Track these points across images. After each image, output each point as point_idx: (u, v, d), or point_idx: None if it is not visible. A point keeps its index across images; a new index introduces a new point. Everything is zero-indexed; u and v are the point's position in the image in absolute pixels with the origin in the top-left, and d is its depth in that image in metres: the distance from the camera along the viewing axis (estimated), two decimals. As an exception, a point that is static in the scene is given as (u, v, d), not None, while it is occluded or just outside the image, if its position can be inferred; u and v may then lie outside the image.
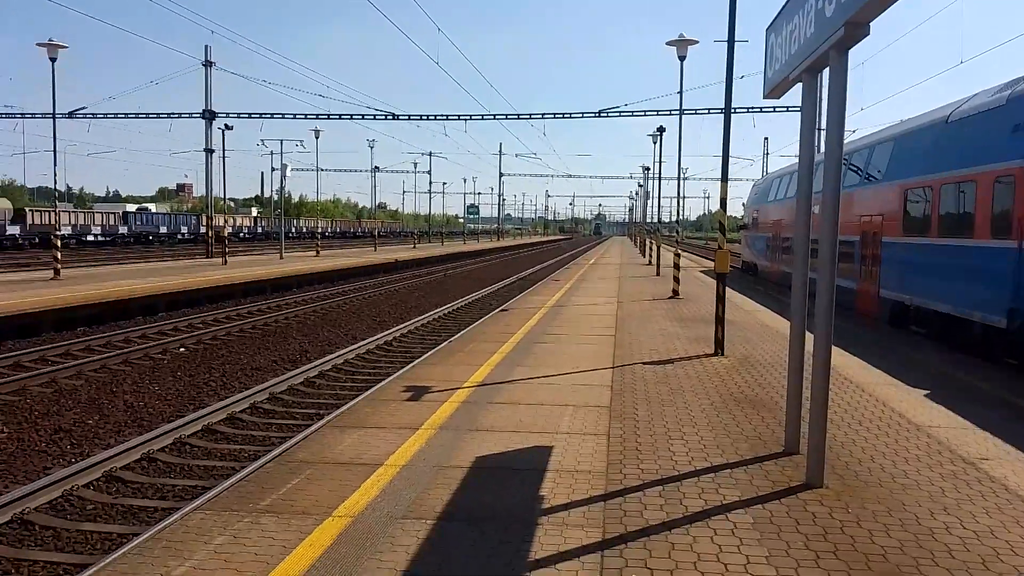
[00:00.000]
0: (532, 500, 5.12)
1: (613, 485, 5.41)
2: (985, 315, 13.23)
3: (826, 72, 5.47)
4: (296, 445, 7.05)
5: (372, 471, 5.70)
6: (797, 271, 6.24)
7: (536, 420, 7.21)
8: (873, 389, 8.87)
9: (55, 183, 26.26)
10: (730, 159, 11.49)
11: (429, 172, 77.60)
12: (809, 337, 5.83)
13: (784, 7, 6.59)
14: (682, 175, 26.45)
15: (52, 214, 38.09)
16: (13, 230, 51.49)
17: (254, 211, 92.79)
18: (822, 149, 6.73)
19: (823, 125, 6.86)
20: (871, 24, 4.88)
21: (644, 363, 10.30)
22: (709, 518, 4.81)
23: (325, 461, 5.97)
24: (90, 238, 58.29)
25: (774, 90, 7.15)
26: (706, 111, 40.06)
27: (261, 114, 42.81)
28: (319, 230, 58.81)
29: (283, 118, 43.52)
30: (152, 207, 74.84)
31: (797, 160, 6.60)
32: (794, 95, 6.84)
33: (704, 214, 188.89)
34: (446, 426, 6.97)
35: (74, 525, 6.38)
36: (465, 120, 44.30)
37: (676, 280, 21.06)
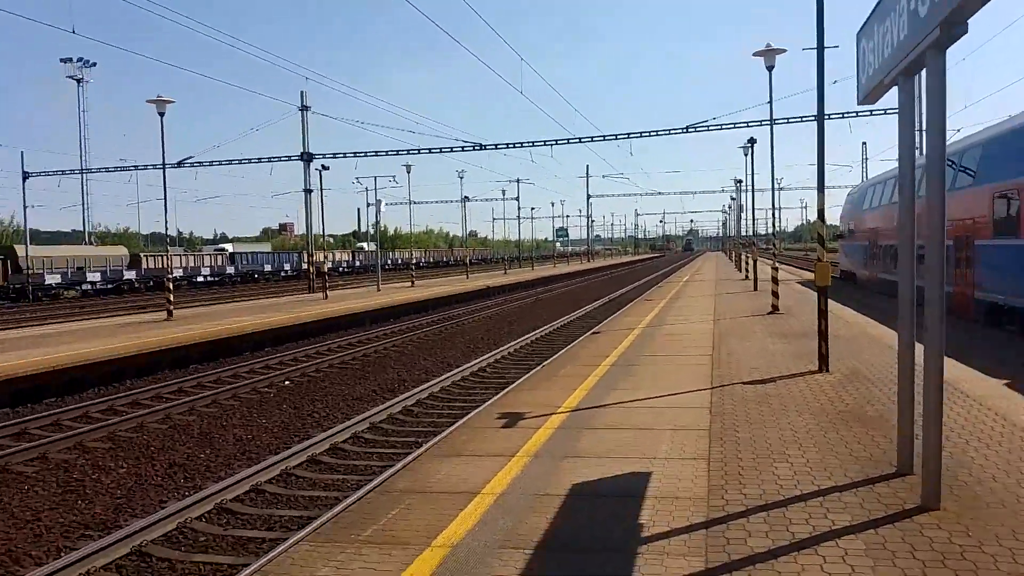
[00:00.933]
0: (631, 528, 5.02)
1: (715, 512, 5.25)
2: None
3: (923, 74, 5.23)
4: (396, 474, 7.16)
5: (469, 500, 5.72)
6: (903, 279, 5.94)
7: (633, 445, 7.09)
8: (989, 401, 8.34)
9: (166, 229, 27.82)
10: (827, 166, 11.14)
11: (517, 198, 78.25)
12: (919, 348, 5.55)
13: (875, 10, 6.36)
14: (776, 186, 25.76)
15: (164, 258, 40.33)
16: (130, 275, 54.67)
17: (366, 246, 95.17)
18: (923, 151, 6.44)
19: (924, 126, 6.56)
20: (969, 22, 4.65)
21: (744, 383, 10.01)
22: (818, 545, 4.60)
23: (424, 490, 6.03)
24: (200, 279, 61.27)
25: (868, 95, 6.88)
26: (798, 119, 38.90)
27: (355, 153, 44.14)
28: (413, 261, 60.01)
29: (376, 155, 44.82)
30: (229, 247, 78.08)
31: (896, 165, 6.34)
32: (890, 96, 6.57)
33: (802, 224, 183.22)
34: (541, 452, 6.94)
35: (187, 557, 6.65)
36: (551, 145, 44.38)
37: (775, 295, 20.45)
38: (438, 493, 5.94)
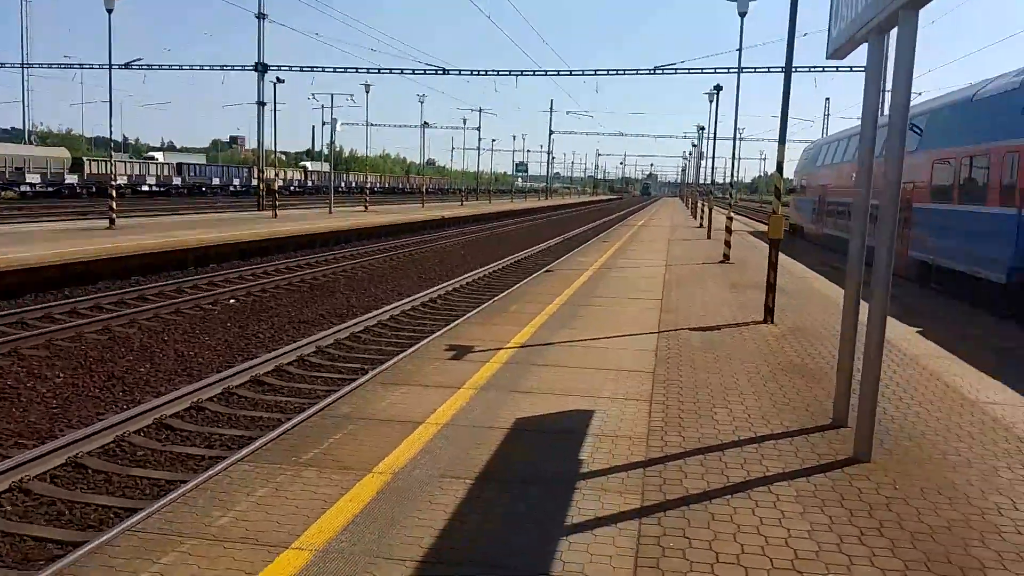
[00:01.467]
0: (571, 464, 5.10)
1: (654, 452, 5.35)
2: (989, 273, 15.31)
3: (894, 32, 5.21)
4: (340, 400, 7.13)
5: (413, 429, 5.73)
6: (855, 236, 6.01)
7: (578, 383, 7.17)
8: (925, 361, 8.62)
9: (111, 133, 26.79)
10: (789, 120, 11.15)
11: (478, 128, 77.24)
12: (863, 306, 5.66)
13: (852, -38, 6.27)
14: (738, 135, 25.85)
15: (108, 164, 38.93)
16: (71, 179, 52.83)
17: (309, 165, 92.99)
18: (885, 111, 6.47)
19: (888, 87, 6.56)
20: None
21: (691, 329, 10.16)
22: (751, 489, 4.73)
23: (367, 417, 6.02)
24: (145, 188, 59.52)
25: (838, 50, 6.85)
26: (765, 70, 38.93)
27: (312, 67, 42.92)
28: (368, 185, 59.15)
29: (334, 71, 43.70)
30: (159, 156, 74.64)
31: (852, 125, 6.35)
32: (857, 54, 6.58)
33: (760, 175, 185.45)
34: (488, 386, 6.98)
35: (124, 470, 6.57)
36: (516, 76, 43.84)
37: (727, 244, 20.70)
38: (382, 420, 5.94)
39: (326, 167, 76.77)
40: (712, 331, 10.04)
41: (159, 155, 73.99)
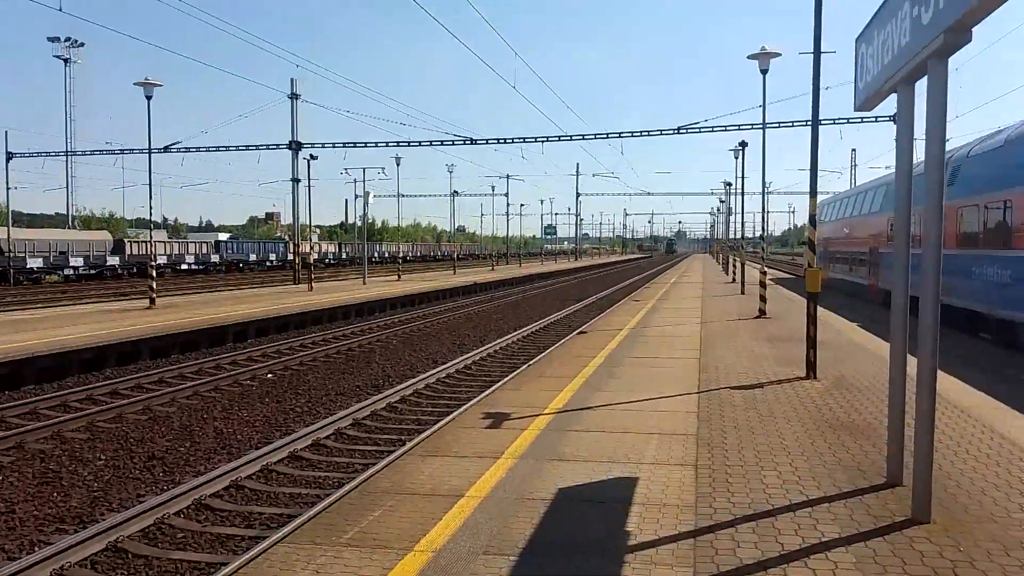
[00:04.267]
0: (617, 535, 4.95)
1: (703, 520, 5.18)
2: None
3: (923, 81, 5.18)
4: (378, 473, 7.04)
5: (453, 502, 5.62)
6: (897, 287, 5.88)
7: (620, 449, 7.02)
8: (977, 412, 8.33)
9: (151, 214, 27.46)
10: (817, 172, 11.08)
11: (507, 194, 78.13)
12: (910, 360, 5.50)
13: (876, 15, 6.29)
14: (766, 190, 25.77)
15: (148, 244, 39.82)
16: (113, 260, 54.15)
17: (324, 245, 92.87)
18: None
19: (918, 136, 6.51)
20: (972, 29, 4.60)
21: (732, 387, 9.96)
22: (807, 556, 4.54)
23: (406, 491, 5.93)
24: (184, 266, 60.79)
25: (866, 102, 6.83)
26: (790, 124, 39.06)
27: (344, 143, 43.80)
28: (400, 254, 59.84)
29: (365, 146, 44.46)
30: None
31: (860, 182, 6.28)
32: (883, 105, 6.56)
33: (789, 229, 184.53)
34: (527, 454, 6.86)
35: (165, 554, 6.51)
36: (542, 142, 44.36)
37: (762, 299, 20.46)
38: (421, 494, 5.84)
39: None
40: (754, 389, 9.83)
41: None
